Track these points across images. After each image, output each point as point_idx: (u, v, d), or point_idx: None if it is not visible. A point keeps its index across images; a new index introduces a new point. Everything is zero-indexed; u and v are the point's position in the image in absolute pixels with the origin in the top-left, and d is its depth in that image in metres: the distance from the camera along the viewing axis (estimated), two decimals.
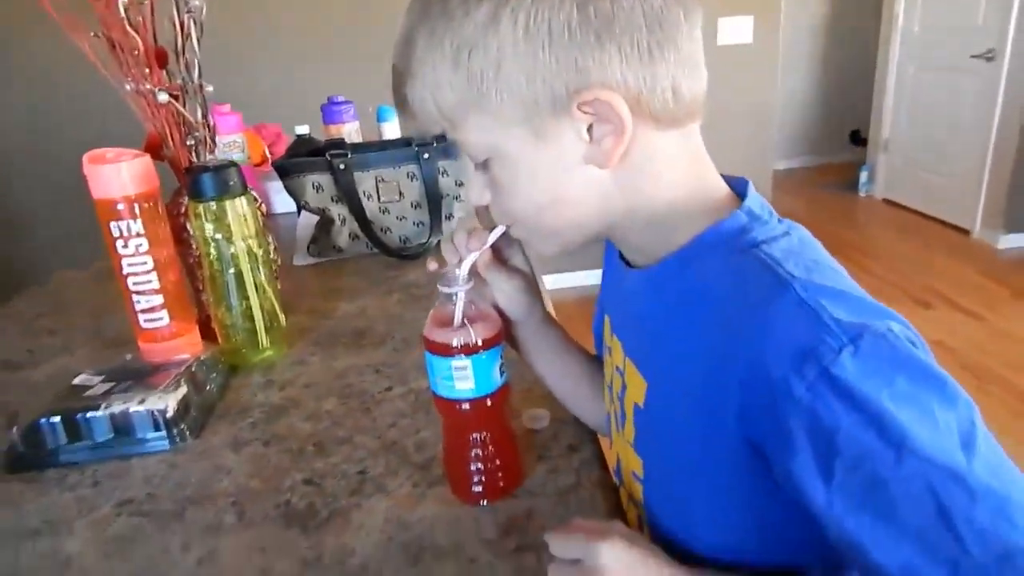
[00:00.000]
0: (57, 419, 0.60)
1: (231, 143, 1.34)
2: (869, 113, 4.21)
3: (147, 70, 0.77)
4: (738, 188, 0.47)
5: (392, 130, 1.53)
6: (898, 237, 3.64)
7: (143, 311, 0.77)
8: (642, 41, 0.41)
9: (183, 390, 0.67)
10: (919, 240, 3.53)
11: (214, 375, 0.74)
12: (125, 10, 0.75)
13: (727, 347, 0.39)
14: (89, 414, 0.61)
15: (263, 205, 0.91)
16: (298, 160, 1.14)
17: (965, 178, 3.45)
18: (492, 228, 0.51)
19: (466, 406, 0.50)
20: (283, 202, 1.42)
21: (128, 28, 0.75)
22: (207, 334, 0.82)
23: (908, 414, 0.33)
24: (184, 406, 0.66)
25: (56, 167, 2.60)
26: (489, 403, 0.50)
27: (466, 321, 0.49)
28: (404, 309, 0.92)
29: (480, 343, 0.48)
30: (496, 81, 0.41)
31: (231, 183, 0.74)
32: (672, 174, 0.45)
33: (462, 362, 0.48)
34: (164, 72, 0.78)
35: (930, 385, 0.35)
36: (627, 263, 0.51)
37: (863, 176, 4.25)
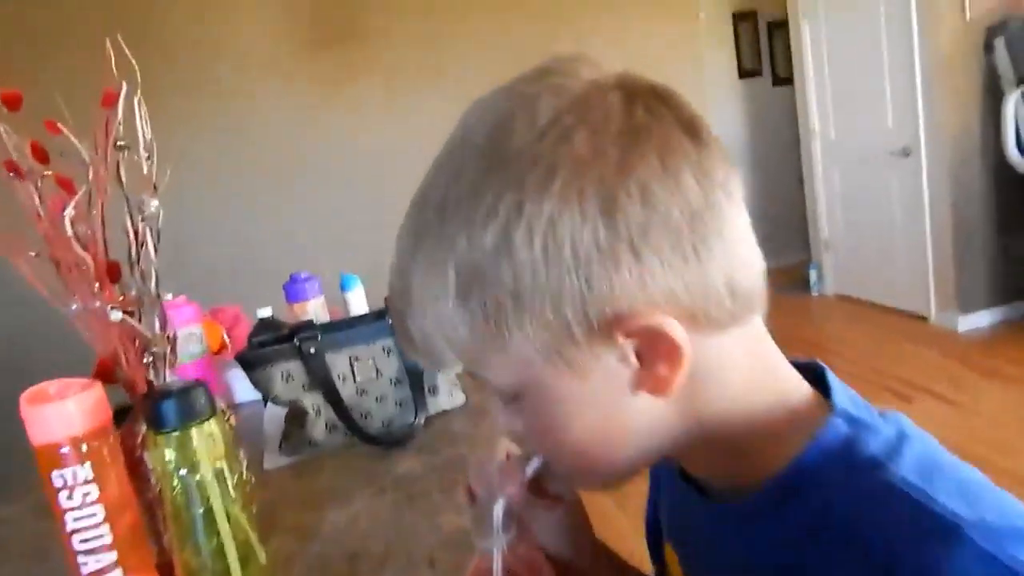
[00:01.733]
0: None
1: (188, 335, 1.24)
2: (804, 216, 4.42)
3: (97, 287, 0.69)
4: (812, 373, 0.41)
5: (357, 299, 1.46)
6: (859, 331, 3.69)
7: (92, 574, 0.64)
8: (685, 243, 0.34)
9: None
10: (881, 332, 3.58)
11: None
12: (72, 225, 0.68)
13: None
14: None
15: (231, 417, 0.80)
16: (264, 351, 1.05)
17: (912, 266, 3.58)
18: (526, 456, 0.42)
19: None
20: (246, 391, 1.31)
21: (75, 245, 0.68)
22: None
23: None
24: None
25: None
26: None
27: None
28: (401, 514, 0.80)
29: None
30: (516, 313, 0.35)
31: (197, 406, 0.64)
32: (741, 379, 0.38)
33: None
34: (116, 286, 0.70)
35: None
36: (689, 483, 0.43)
37: (812, 275, 4.38)
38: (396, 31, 2.71)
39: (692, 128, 0.36)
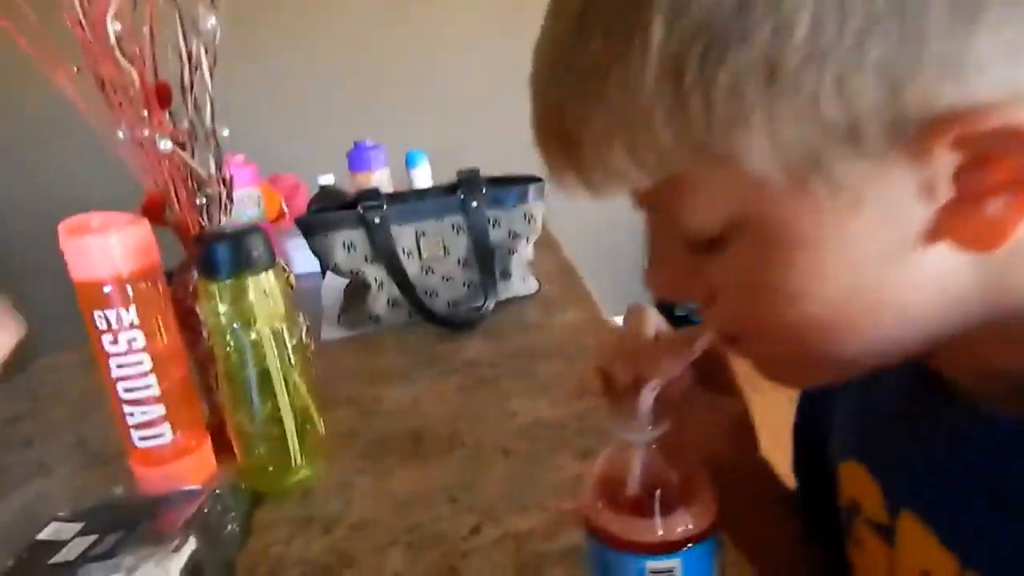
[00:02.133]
0: None
1: (246, 198, 1.16)
2: None
3: (145, 112, 0.60)
4: None
5: (423, 178, 1.36)
6: None
7: (138, 426, 0.58)
8: None
9: (190, 546, 0.47)
10: None
11: (233, 514, 0.55)
12: (117, 39, 0.58)
13: None
14: None
15: (291, 275, 0.73)
16: (325, 215, 0.96)
17: None
18: (690, 336, 0.32)
19: None
20: (304, 261, 1.25)
21: (121, 59, 0.58)
22: (221, 448, 0.63)
23: None
24: (195, 571, 0.46)
25: (34, 236, 2.45)
26: None
27: (665, 482, 0.30)
28: (468, 398, 0.73)
29: (692, 528, 0.29)
30: (766, 98, 0.22)
31: (255, 254, 0.56)
32: None
33: (666, 563, 0.29)
34: (167, 114, 0.61)
35: None
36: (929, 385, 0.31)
37: None
38: None
39: None
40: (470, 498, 0.55)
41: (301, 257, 1.24)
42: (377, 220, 0.96)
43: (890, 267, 0.25)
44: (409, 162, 1.37)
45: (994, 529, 0.28)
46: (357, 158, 1.20)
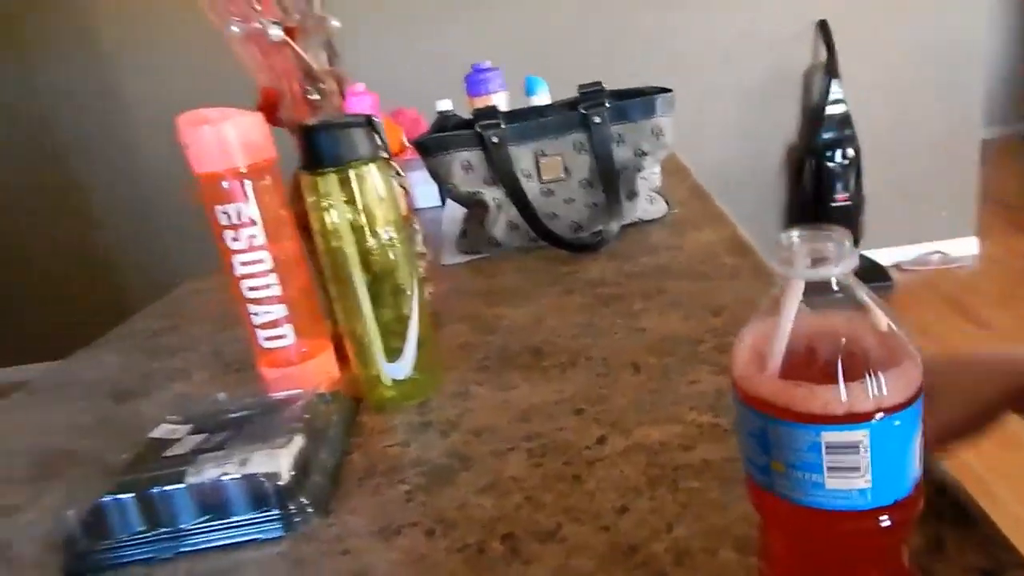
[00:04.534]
0: (128, 496, 0.41)
1: None
2: None
3: (256, 3, 0.58)
4: None
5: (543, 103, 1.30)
6: None
7: (262, 326, 0.58)
8: None
9: (298, 443, 0.46)
10: None
11: (344, 417, 0.53)
12: None
13: None
14: (168, 488, 0.41)
15: (405, 182, 0.70)
16: (442, 135, 0.93)
17: None
18: None
19: (846, 524, 0.24)
20: (425, 196, 1.24)
21: None
22: (343, 355, 0.62)
23: None
24: (303, 468, 0.45)
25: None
26: (888, 521, 0.24)
27: (852, 341, 0.23)
28: (593, 316, 0.67)
29: (894, 392, 0.22)
30: None
31: (361, 146, 0.53)
32: None
33: (852, 435, 0.22)
34: (276, 5, 0.59)
35: None
36: None
37: None
38: None
39: None
40: (596, 410, 0.50)
41: (422, 192, 1.23)
42: (495, 140, 0.91)
43: None
44: (528, 88, 1.31)
45: None
46: (474, 81, 1.16)
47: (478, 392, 0.56)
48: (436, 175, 0.94)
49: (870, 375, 0.22)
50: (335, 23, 0.59)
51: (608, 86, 0.94)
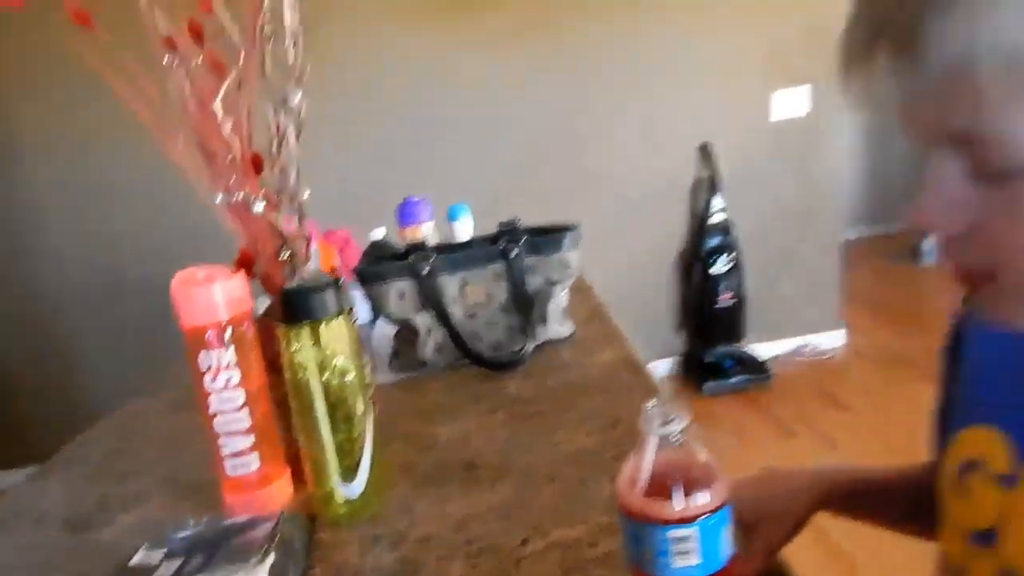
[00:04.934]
0: None
1: None
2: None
3: (242, 179, 0.70)
4: None
5: (465, 230, 1.46)
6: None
7: (231, 456, 0.67)
8: None
9: (270, 561, 0.55)
10: None
11: (304, 534, 0.62)
12: (222, 111, 0.69)
13: None
14: None
15: (356, 320, 0.81)
16: (380, 267, 1.06)
17: None
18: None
19: None
20: (356, 311, 1.34)
21: (226, 134, 0.69)
22: (297, 478, 0.71)
23: None
24: None
25: (113, 279, 2.62)
26: None
27: (684, 471, 0.37)
28: (514, 432, 0.80)
29: (711, 501, 0.36)
30: None
31: (330, 304, 0.65)
32: None
33: (685, 531, 0.36)
34: (258, 179, 0.72)
35: None
36: None
37: (926, 245, 4.08)
38: None
39: None
40: (521, 515, 0.62)
41: (355, 308, 1.34)
42: (426, 270, 1.05)
43: None
44: (451, 215, 1.47)
45: None
46: (406, 213, 1.31)
47: (420, 505, 0.67)
48: (373, 301, 1.06)
49: (697, 492, 0.36)
50: (306, 194, 0.72)
51: (525, 211, 1.11)
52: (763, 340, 2.98)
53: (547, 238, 1.09)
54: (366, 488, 0.67)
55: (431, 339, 1.05)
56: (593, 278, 1.40)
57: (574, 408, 0.83)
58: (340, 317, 0.66)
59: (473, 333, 1.06)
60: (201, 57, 0.68)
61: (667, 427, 0.37)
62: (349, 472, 0.67)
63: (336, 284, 0.67)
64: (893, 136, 4.74)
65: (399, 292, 1.05)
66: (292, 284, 0.66)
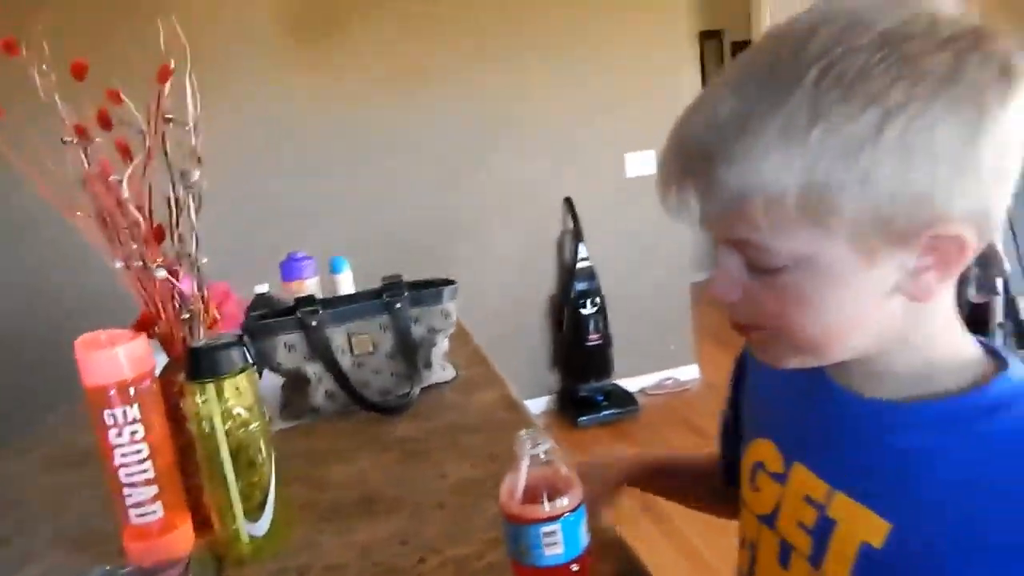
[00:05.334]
0: None
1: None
2: None
3: (144, 247, 0.75)
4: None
5: (346, 282, 1.53)
6: None
7: (134, 505, 0.70)
8: (1006, 167, 0.40)
9: None
10: None
11: (215, 572, 0.67)
12: (127, 189, 0.74)
13: None
14: None
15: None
16: (267, 322, 1.11)
17: None
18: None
19: (556, 572, 0.48)
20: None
21: (130, 208, 0.74)
22: (198, 523, 0.75)
23: None
24: None
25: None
26: (575, 568, 0.48)
27: (550, 482, 0.48)
28: (406, 469, 0.88)
29: (570, 503, 0.47)
30: (856, 196, 0.38)
31: (234, 361, 0.71)
32: (948, 310, 0.45)
33: (552, 527, 0.47)
34: (160, 247, 0.77)
35: None
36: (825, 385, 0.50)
37: None
38: (387, 27, 2.78)
39: None
40: (417, 540, 0.70)
41: None
42: (314, 323, 1.11)
43: (873, 304, 0.43)
44: (333, 268, 1.53)
45: (856, 464, 0.47)
46: (290, 268, 1.36)
47: (323, 539, 0.73)
48: (263, 355, 1.10)
49: (559, 497, 0.47)
50: (204, 260, 0.78)
51: (403, 266, 1.20)
52: (631, 375, 3.22)
53: (428, 291, 1.19)
54: (271, 527, 0.72)
55: (321, 387, 1.11)
56: (472, 321, 1.51)
57: (458, 445, 0.92)
58: (243, 373, 0.72)
59: (362, 380, 1.13)
60: (109, 141, 0.73)
61: (536, 448, 0.48)
62: (253, 513, 0.72)
63: (240, 342, 0.73)
64: None
65: (288, 344, 1.10)
66: (198, 343, 0.71)
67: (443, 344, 1.22)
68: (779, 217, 0.40)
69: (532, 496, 0.47)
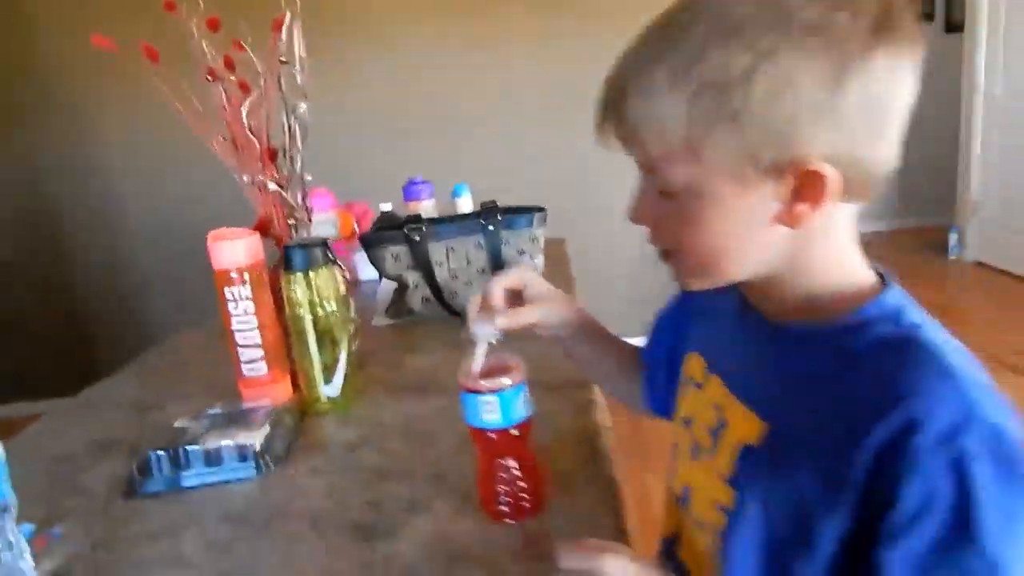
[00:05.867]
0: (162, 453, 0.76)
1: (325, 220, 1.53)
2: (955, 175, 4.10)
3: (261, 165, 0.95)
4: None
5: (465, 204, 1.69)
6: (988, 300, 3.48)
7: (246, 362, 0.92)
8: (879, 125, 0.44)
9: (266, 429, 0.80)
10: (1010, 302, 3.36)
11: (294, 417, 0.88)
12: (247, 118, 0.94)
13: (878, 413, 0.42)
14: (188, 447, 0.76)
15: (347, 273, 1.06)
16: (379, 234, 1.30)
17: None
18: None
19: (493, 435, 0.60)
20: (369, 270, 1.60)
21: (249, 134, 0.94)
22: (294, 384, 0.96)
23: (1004, 524, 0.40)
24: (268, 441, 0.79)
25: (174, 239, 2.97)
26: (514, 432, 0.60)
27: (493, 363, 0.60)
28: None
29: (509, 383, 0.59)
30: (728, 131, 0.44)
31: (318, 257, 0.89)
32: (840, 243, 0.50)
33: (490, 398, 0.59)
34: (273, 166, 0.96)
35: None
36: (746, 308, 0.56)
37: (952, 239, 4.10)
38: None
39: (917, 36, 0.44)
40: (450, 413, 0.86)
41: (365, 268, 1.59)
42: (417, 238, 1.29)
43: (749, 230, 0.48)
44: (455, 193, 1.70)
45: (751, 376, 0.54)
46: (410, 191, 1.55)
47: (384, 404, 0.92)
48: (373, 261, 1.31)
49: (502, 375, 0.59)
50: (308, 178, 0.96)
51: (521, 195, 1.33)
52: None
53: (519, 217, 1.31)
54: (342, 392, 0.92)
55: (419, 292, 1.29)
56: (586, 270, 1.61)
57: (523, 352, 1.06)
58: (326, 268, 0.90)
59: (453, 290, 1.29)
60: (234, 80, 0.92)
61: (487, 333, 0.60)
62: (329, 379, 0.92)
63: (325, 244, 0.91)
64: (924, 134, 4.72)
65: (394, 254, 1.29)
66: (290, 243, 0.90)
67: (533, 263, 1.34)
68: (668, 147, 0.47)
69: (483, 375, 0.59)
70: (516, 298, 0.73)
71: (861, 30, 0.42)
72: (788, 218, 0.46)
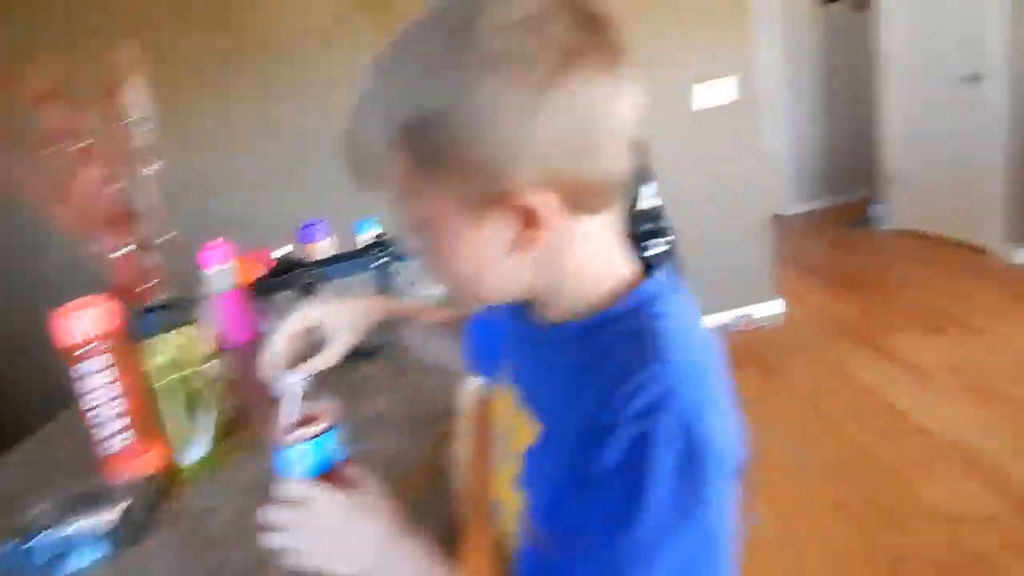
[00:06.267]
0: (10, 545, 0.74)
1: (221, 272, 1.51)
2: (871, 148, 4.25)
3: (113, 229, 0.94)
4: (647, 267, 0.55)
5: (368, 239, 1.69)
6: (910, 265, 3.61)
7: (108, 437, 0.90)
8: (587, 141, 0.45)
9: (124, 504, 0.79)
10: (932, 266, 3.49)
11: (159, 487, 0.86)
12: (92, 183, 0.93)
13: (608, 398, 0.45)
14: (37, 536, 0.74)
15: (212, 331, 1.05)
16: (267, 282, 1.30)
17: (977, 197, 3.43)
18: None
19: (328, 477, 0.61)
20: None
21: (100, 198, 0.93)
22: (159, 451, 0.95)
23: (667, 513, 0.42)
24: (125, 517, 0.78)
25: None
26: (329, 476, 0.61)
27: (307, 413, 0.61)
28: (351, 403, 1.03)
29: (318, 430, 0.60)
30: (437, 173, 0.45)
31: (178, 318, 0.89)
32: (594, 248, 0.51)
33: (304, 447, 0.59)
34: (127, 228, 0.96)
35: (700, 499, 0.43)
36: (532, 317, 0.58)
37: (876, 210, 4.24)
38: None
39: (619, 51, 0.45)
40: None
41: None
42: (308, 282, 1.29)
43: (491, 258, 0.49)
44: (356, 230, 1.70)
45: (535, 380, 0.56)
46: (304, 234, 1.55)
47: (254, 463, 0.91)
48: (265, 311, 1.30)
49: (310, 425, 0.60)
50: (172, 234, 0.96)
51: None
52: (705, 314, 3.17)
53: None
54: (208, 455, 0.91)
55: None
56: None
57: (408, 384, 1.06)
58: (187, 328, 0.90)
59: None
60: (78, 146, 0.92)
61: (290, 384, 0.60)
62: (190, 443, 0.91)
63: (182, 303, 0.90)
64: (841, 114, 4.88)
65: (286, 301, 1.29)
66: (146, 305, 0.90)
67: (428, 293, 1.35)
68: (397, 190, 0.49)
69: (296, 425, 0.60)
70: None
71: (551, 56, 0.43)
72: (523, 243, 0.48)
